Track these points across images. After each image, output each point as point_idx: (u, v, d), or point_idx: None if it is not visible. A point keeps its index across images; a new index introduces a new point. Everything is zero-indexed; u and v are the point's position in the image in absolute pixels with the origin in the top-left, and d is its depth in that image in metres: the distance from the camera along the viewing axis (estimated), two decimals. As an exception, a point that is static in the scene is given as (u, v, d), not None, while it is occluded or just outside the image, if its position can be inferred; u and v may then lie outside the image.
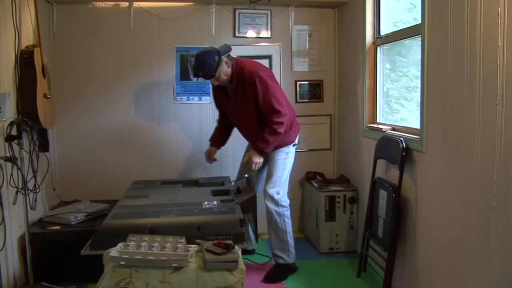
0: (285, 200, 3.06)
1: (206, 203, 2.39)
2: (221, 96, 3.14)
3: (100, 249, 2.00)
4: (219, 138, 3.33)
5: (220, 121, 3.35)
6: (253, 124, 2.97)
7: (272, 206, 3.00)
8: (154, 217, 2.18)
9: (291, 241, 3.09)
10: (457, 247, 2.18)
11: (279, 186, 3.02)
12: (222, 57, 2.84)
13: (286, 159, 3.05)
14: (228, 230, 2.10)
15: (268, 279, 3.02)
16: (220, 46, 2.98)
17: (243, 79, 2.88)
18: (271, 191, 2.99)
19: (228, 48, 2.93)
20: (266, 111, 2.86)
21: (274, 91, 2.88)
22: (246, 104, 2.92)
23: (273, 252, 3.11)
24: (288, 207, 3.09)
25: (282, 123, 2.83)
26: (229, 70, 2.89)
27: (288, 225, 3.07)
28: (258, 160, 2.88)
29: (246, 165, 2.88)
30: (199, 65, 2.82)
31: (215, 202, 2.40)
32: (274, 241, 3.08)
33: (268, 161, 3.07)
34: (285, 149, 3.04)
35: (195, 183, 3.00)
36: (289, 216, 3.09)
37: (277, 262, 3.10)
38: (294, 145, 3.10)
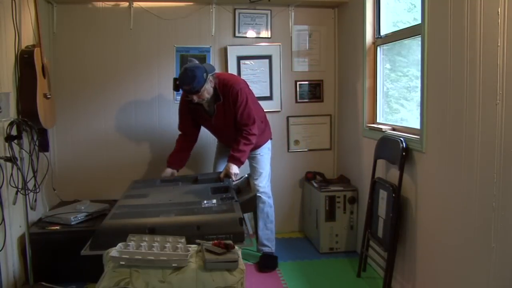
0: (270, 191, 3.31)
1: (205, 202, 2.38)
2: (198, 113, 3.10)
3: (100, 249, 1.99)
4: (180, 158, 3.18)
5: (181, 141, 3.22)
6: (234, 132, 3.08)
7: (266, 198, 3.23)
8: (154, 217, 2.17)
9: (274, 230, 3.33)
10: (457, 247, 2.18)
11: (268, 180, 3.30)
12: (209, 75, 2.85)
13: (269, 154, 3.34)
14: (227, 229, 2.09)
15: (264, 268, 3.17)
16: (205, 64, 2.98)
17: (226, 92, 2.96)
18: (263, 184, 3.22)
19: (212, 68, 2.97)
20: (243, 122, 3.01)
21: (251, 100, 3.07)
22: (229, 117, 3.03)
23: (261, 242, 3.27)
24: (273, 197, 3.33)
25: (255, 134, 3.03)
26: (211, 90, 2.91)
27: (273, 215, 3.31)
28: (236, 171, 2.94)
29: (224, 177, 2.92)
30: (187, 79, 2.77)
31: (214, 201, 2.39)
32: (262, 231, 3.26)
33: (252, 158, 3.26)
34: (266, 145, 3.31)
35: (194, 180, 2.98)
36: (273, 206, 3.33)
37: (264, 251, 3.27)
38: (271, 139, 3.39)
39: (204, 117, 3.10)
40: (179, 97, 3.74)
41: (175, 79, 2.91)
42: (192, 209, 2.27)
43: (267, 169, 3.28)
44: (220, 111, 3.01)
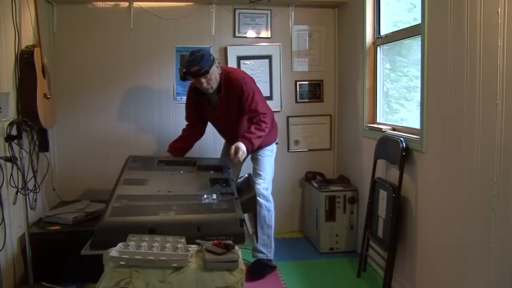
0: (271, 197, 3.14)
1: (205, 196, 2.36)
2: (202, 105, 3.06)
3: (100, 248, 1.99)
4: (181, 147, 3.13)
5: (186, 131, 3.21)
6: (238, 128, 3.05)
7: (263, 202, 3.06)
8: (154, 215, 2.15)
9: (273, 236, 3.15)
10: (457, 247, 2.18)
11: (267, 183, 3.14)
12: (215, 60, 2.84)
13: (272, 156, 3.20)
14: (228, 231, 2.09)
15: (252, 274, 3.01)
16: None
17: (230, 85, 2.91)
18: (261, 187, 3.06)
19: (217, 59, 2.95)
20: (252, 114, 2.94)
21: (259, 96, 3.01)
22: (232, 110, 2.99)
23: (255, 247, 3.11)
24: (273, 204, 3.15)
25: (266, 122, 2.94)
26: (218, 76, 2.87)
27: (273, 220, 3.14)
28: (244, 149, 2.79)
29: (233, 155, 2.78)
30: (195, 60, 2.74)
31: (214, 196, 2.37)
32: (259, 236, 3.09)
33: (254, 159, 3.18)
34: (269, 147, 3.18)
35: (193, 164, 2.93)
36: (274, 212, 3.15)
37: (258, 257, 3.11)
38: (276, 143, 3.27)
39: (208, 109, 3.05)
40: (179, 97, 3.77)
41: (181, 68, 2.87)
42: (192, 206, 2.24)
43: (267, 171, 3.15)
44: (222, 104, 2.96)
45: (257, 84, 3.49)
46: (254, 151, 3.07)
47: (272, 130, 3.18)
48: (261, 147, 3.12)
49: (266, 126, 2.93)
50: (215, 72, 2.83)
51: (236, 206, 2.30)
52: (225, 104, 2.97)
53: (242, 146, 2.80)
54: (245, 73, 3.11)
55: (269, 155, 3.18)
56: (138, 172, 2.72)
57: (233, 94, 2.93)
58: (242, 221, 2.15)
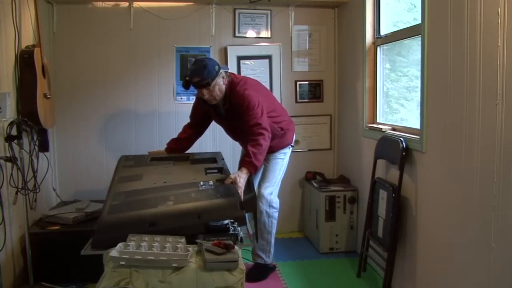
0: (276, 201, 3.04)
1: (202, 183, 2.32)
2: (210, 111, 2.93)
3: (101, 248, 1.99)
4: (179, 148, 3.02)
5: (187, 131, 3.06)
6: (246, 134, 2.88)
7: (263, 207, 2.97)
8: (152, 208, 2.12)
9: (272, 241, 3.08)
10: (457, 247, 2.18)
11: (273, 187, 3.03)
12: (221, 70, 2.69)
13: (283, 160, 3.08)
14: (229, 214, 2.07)
15: (249, 278, 2.88)
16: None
17: (232, 99, 2.76)
18: (265, 191, 2.98)
19: (225, 67, 2.80)
20: (249, 129, 2.71)
21: (261, 108, 2.74)
22: (239, 121, 2.79)
23: (254, 251, 3.10)
24: (278, 209, 3.05)
25: (263, 134, 2.67)
26: (223, 87, 2.72)
27: (274, 226, 3.05)
28: (243, 180, 2.46)
29: (230, 182, 2.41)
30: (197, 69, 2.62)
31: (211, 182, 2.34)
32: (258, 240, 3.01)
33: (265, 160, 2.99)
34: (283, 150, 3.07)
35: (186, 158, 2.89)
36: (276, 218, 3.05)
37: (256, 261, 3.09)
38: (291, 146, 3.14)
39: (215, 116, 2.95)
40: (179, 97, 3.77)
41: (184, 76, 2.72)
42: (189, 194, 2.21)
43: (275, 174, 3.03)
44: (228, 115, 2.84)
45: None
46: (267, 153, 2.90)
47: (287, 133, 3.05)
48: (274, 150, 3.00)
49: (264, 137, 2.67)
50: (219, 84, 2.69)
51: (234, 189, 2.26)
52: (231, 115, 2.83)
53: (241, 180, 2.44)
54: (250, 84, 2.86)
55: (281, 158, 3.06)
56: (132, 169, 2.67)
57: (237, 108, 2.76)
58: (242, 204, 2.13)
